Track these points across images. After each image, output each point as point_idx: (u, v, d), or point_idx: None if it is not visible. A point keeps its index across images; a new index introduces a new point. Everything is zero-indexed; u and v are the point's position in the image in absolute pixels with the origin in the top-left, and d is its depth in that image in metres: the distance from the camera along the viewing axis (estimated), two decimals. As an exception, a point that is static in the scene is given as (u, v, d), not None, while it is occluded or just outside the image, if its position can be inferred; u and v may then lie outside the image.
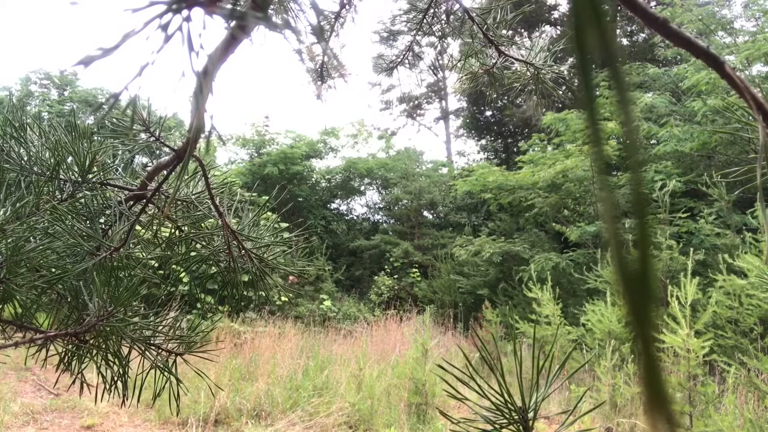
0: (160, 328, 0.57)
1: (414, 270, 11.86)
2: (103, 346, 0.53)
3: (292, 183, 12.76)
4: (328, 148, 14.52)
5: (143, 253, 0.62)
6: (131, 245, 0.55)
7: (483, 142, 18.30)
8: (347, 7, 1.16)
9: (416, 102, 21.39)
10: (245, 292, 0.65)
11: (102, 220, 0.57)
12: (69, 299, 0.53)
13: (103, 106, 0.33)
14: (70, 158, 0.56)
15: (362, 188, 14.75)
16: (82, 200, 0.56)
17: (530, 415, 0.51)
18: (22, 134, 0.54)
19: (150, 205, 0.58)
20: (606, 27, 0.18)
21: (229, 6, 0.29)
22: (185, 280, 7.63)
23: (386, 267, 11.90)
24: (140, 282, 0.54)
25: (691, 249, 5.16)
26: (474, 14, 1.02)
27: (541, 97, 1.06)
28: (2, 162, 0.53)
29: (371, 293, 11.20)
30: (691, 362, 4.02)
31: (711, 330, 4.76)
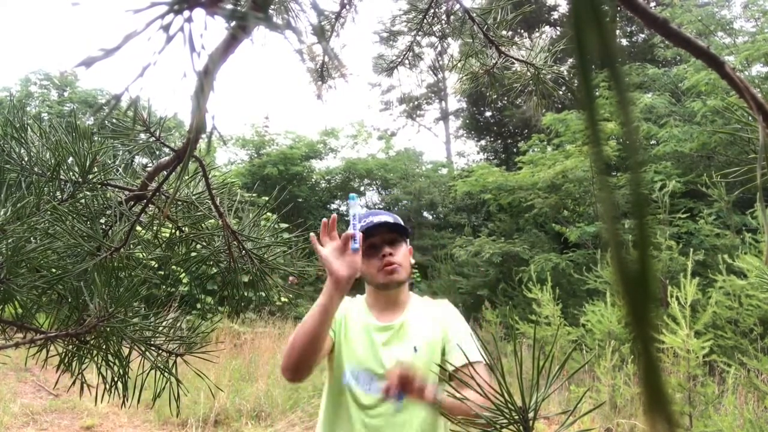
0: (161, 328, 0.57)
1: (414, 270, 11.82)
2: (104, 347, 0.53)
3: (292, 183, 12.76)
4: (327, 149, 14.53)
5: (143, 254, 0.62)
6: (131, 245, 0.55)
7: (483, 142, 18.30)
8: (347, 6, 1.17)
9: (416, 102, 21.39)
10: (245, 293, 0.65)
11: (102, 221, 0.57)
12: (69, 299, 0.54)
13: (104, 107, 0.33)
14: (71, 159, 0.56)
15: (362, 189, 14.75)
16: (83, 201, 0.56)
17: (530, 415, 0.51)
18: (22, 135, 0.54)
19: (150, 205, 0.58)
20: (606, 27, 0.18)
21: (230, 6, 0.29)
22: (185, 280, 7.63)
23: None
24: (141, 282, 0.54)
25: (691, 249, 5.15)
26: (474, 14, 1.02)
27: (541, 98, 1.06)
28: (3, 162, 0.53)
29: (371, 294, 11.15)
30: (690, 363, 4.01)
31: (711, 330, 4.75)
